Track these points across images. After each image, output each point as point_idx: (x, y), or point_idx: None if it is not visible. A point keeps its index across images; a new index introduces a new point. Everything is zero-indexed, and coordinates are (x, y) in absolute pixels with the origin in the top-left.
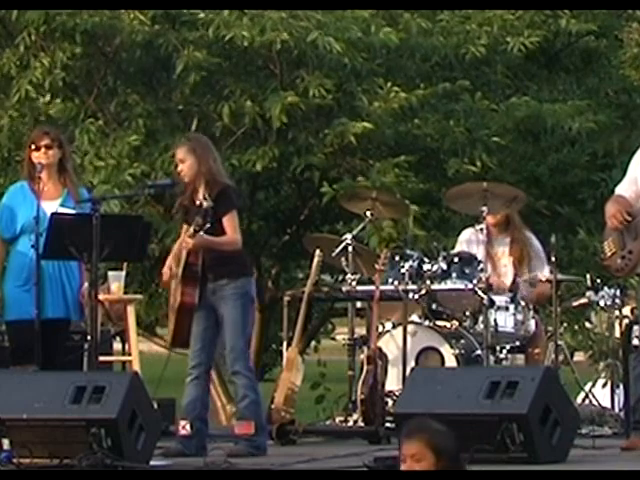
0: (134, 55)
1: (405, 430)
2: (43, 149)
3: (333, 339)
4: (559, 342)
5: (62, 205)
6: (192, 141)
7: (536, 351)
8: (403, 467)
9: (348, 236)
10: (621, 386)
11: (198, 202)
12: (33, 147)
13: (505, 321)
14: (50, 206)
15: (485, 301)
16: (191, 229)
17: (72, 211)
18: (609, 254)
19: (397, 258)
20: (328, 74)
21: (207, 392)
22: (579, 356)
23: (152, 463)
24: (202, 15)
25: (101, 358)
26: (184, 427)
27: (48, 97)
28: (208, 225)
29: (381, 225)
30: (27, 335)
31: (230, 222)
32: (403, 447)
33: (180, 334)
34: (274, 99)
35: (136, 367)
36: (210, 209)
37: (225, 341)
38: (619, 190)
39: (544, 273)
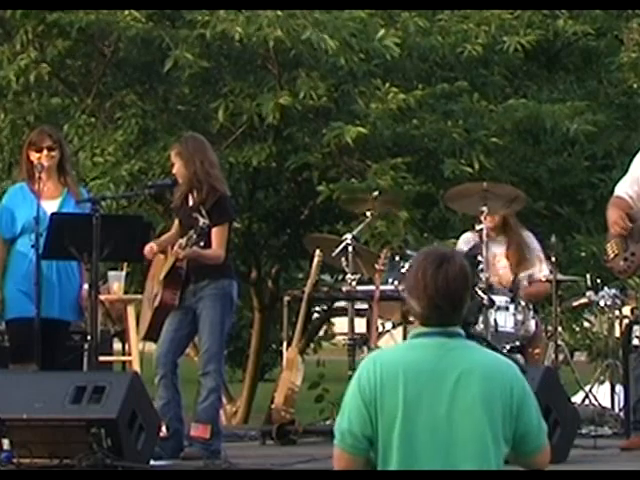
0: (132, 54)
1: None
2: (45, 151)
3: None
4: (559, 342)
5: (62, 205)
6: (182, 143)
7: (536, 351)
8: None
9: (348, 236)
10: (620, 386)
11: (191, 205)
12: (34, 148)
13: (505, 321)
14: (50, 206)
15: (485, 301)
16: (183, 240)
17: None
18: (612, 256)
19: (397, 258)
20: (324, 75)
21: (178, 391)
22: (579, 356)
23: (152, 463)
24: (199, 15)
25: (101, 358)
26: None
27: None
28: (202, 244)
29: (375, 224)
30: (26, 334)
31: (219, 235)
32: None
33: (153, 331)
34: (267, 97)
35: (136, 367)
36: (206, 227)
37: (201, 340)
38: (618, 190)
39: (543, 273)
